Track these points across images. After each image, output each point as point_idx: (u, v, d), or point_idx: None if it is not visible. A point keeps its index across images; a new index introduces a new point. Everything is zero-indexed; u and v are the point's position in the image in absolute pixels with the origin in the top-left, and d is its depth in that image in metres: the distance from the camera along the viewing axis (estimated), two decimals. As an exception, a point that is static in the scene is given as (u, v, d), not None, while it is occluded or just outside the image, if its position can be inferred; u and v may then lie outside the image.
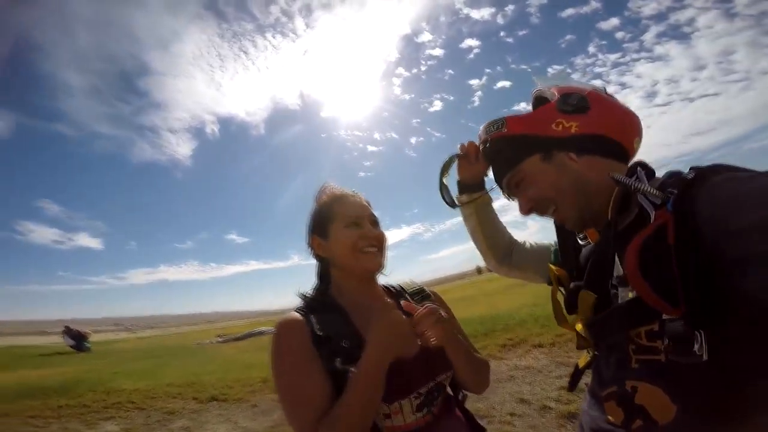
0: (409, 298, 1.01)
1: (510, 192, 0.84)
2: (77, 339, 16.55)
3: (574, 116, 0.72)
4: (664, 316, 0.54)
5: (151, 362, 10.93)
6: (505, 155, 0.80)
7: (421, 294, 1.04)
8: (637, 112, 0.76)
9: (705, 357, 0.48)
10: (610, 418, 0.65)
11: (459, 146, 0.98)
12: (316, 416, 0.73)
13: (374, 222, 0.97)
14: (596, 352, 0.75)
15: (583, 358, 0.81)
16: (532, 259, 1.01)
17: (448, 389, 0.95)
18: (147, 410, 5.34)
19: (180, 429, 4.47)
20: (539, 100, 0.81)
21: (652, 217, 0.58)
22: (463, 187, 1.03)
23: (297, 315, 0.86)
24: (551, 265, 0.85)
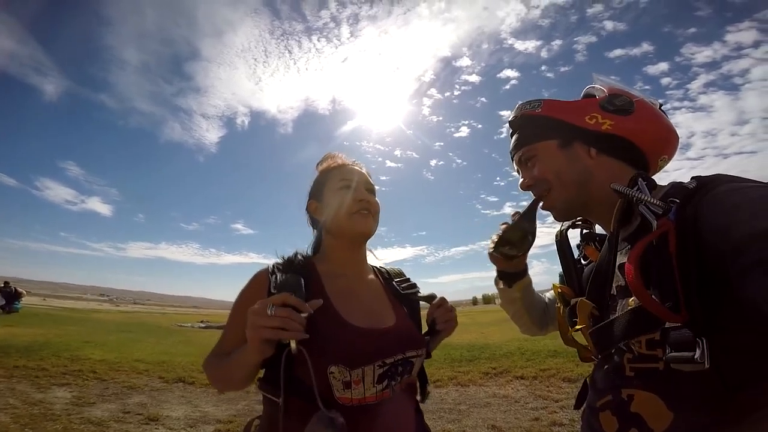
0: (396, 284, 1.00)
1: (518, 165, 0.84)
2: (9, 298, 15.05)
3: (611, 115, 0.72)
4: (667, 325, 0.53)
5: (125, 336, 10.65)
6: (527, 132, 0.80)
7: (407, 282, 1.03)
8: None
9: (707, 365, 0.48)
10: (605, 428, 0.66)
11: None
12: (214, 353, 0.89)
13: (370, 189, 0.97)
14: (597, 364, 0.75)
15: (590, 375, 0.79)
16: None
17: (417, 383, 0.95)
18: (107, 382, 5.09)
19: (135, 404, 4.21)
20: (587, 97, 0.80)
21: (654, 226, 0.57)
22: (505, 276, 1.00)
23: (265, 269, 0.89)
24: (555, 284, 0.87)
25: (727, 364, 0.50)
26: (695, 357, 0.48)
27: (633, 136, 0.72)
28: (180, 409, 4.15)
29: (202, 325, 18.51)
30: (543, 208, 0.81)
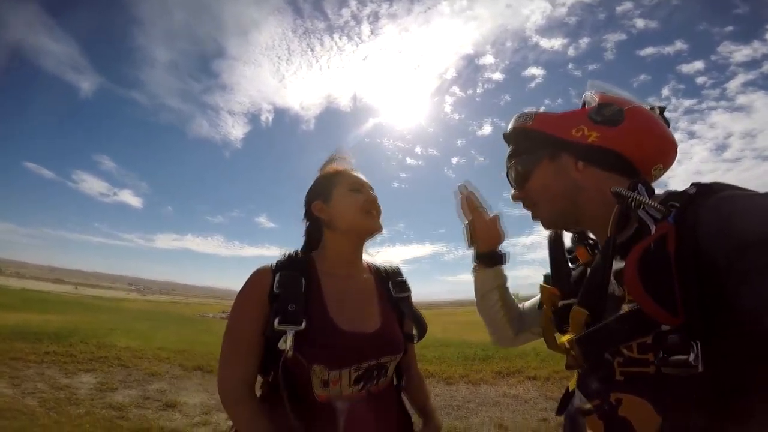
0: (391, 286, 1.03)
1: (510, 178, 0.86)
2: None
3: (598, 126, 0.71)
4: (663, 327, 0.53)
5: (150, 324, 11.07)
6: (519, 145, 0.82)
7: (401, 285, 1.05)
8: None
9: (701, 368, 0.47)
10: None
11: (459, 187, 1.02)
12: (233, 384, 0.84)
13: (373, 192, 1.04)
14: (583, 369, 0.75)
15: (573, 381, 0.80)
16: (536, 318, 0.95)
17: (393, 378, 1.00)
18: (130, 368, 5.30)
19: (155, 391, 4.38)
20: (585, 105, 0.79)
21: (653, 230, 0.56)
22: (483, 258, 0.97)
23: (267, 267, 0.90)
24: (543, 285, 0.84)
25: (722, 369, 0.49)
26: (689, 360, 0.48)
27: (620, 146, 0.71)
28: (197, 396, 4.28)
29: (224, 315, 19.04)
30: (532, 218, 0.82)
